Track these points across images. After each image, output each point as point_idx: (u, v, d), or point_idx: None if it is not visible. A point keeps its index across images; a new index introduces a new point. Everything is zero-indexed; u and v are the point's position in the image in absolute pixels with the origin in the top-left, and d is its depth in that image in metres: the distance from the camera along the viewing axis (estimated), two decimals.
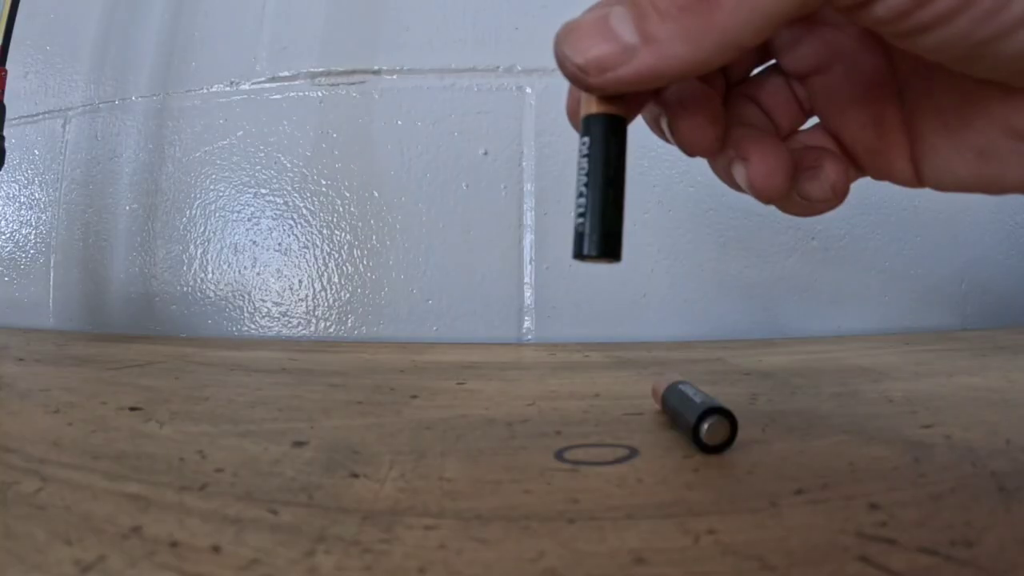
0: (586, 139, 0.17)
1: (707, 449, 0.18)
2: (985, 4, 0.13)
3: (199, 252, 0.59)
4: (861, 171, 0.19)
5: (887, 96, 0.18)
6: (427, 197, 0.57)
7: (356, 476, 0.16)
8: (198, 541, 0.12)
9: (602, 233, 0.15)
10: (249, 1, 0.59)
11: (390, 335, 0.56)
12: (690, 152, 0.19)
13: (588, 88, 0.16)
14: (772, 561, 0.11)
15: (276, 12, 0.59)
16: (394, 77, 0.57)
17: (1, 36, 0.44)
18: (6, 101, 0.44)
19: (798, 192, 0.18)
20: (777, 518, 0.13)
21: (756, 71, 0.20)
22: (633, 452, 0.18)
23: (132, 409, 0.23)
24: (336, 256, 0.57)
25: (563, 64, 0.16)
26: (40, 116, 0.65)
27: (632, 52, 0.15)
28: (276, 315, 0.57)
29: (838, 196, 0.18)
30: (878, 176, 0.19)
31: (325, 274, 0.57)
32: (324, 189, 0.57)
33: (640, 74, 0.15)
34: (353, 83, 0.57)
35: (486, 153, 0.57)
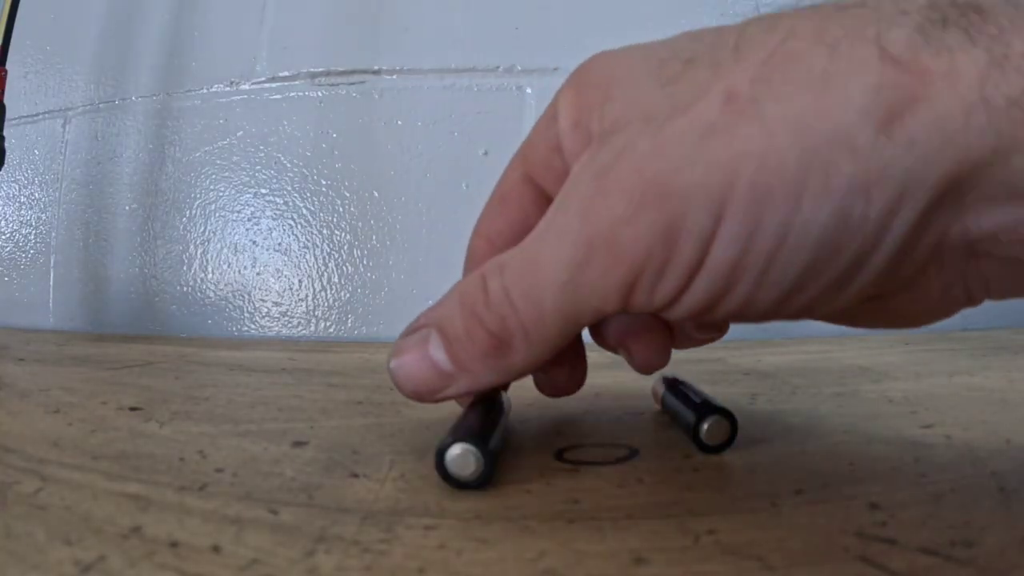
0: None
1: (707, 449, 0.18)
2: (738, 292, 0.14)
3: (199, 252, 0.59)
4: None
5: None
6: (427, 197, 0.57)
7: (356, 476, 0.16)
8: (198, 541, 0.12)
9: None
10: (249, 1, 0.59)
11: (390, 335, 0.56)
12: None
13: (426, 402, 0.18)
14: (772, 561, 0.11)
15: (276, 12, 0.59)
16: (394, 77, 0.57)
17: (1, 36, 0.44)
18: (6, 101, 0.44)
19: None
20: (777, 518, 0.13)
21: None
22: (633, 452, 0.18)
23: (132, 409, 0.23)
24: (336, 256, 0.57)
25: (398, 388, 0.18)
26: (40, 116, 0.65)
27: (451, 378, 0.17)
28: (276, 315, 0.57)
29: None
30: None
31: (325, 274, 0.57)
32: (324, 189, 0.57)
33: (461, 392, 0.17)
34: (353, 83, 0.57)
35: (486, 153, 0.57)
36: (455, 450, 0.15)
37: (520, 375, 0.17)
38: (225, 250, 0.59)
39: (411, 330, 0.18)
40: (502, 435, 0.17)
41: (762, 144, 0.13)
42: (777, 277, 0.13)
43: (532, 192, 0.20)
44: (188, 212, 0.59)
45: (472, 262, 0.22)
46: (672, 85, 0.15)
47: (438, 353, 0.17)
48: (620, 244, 0.14)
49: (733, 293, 0.14)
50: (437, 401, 0.17)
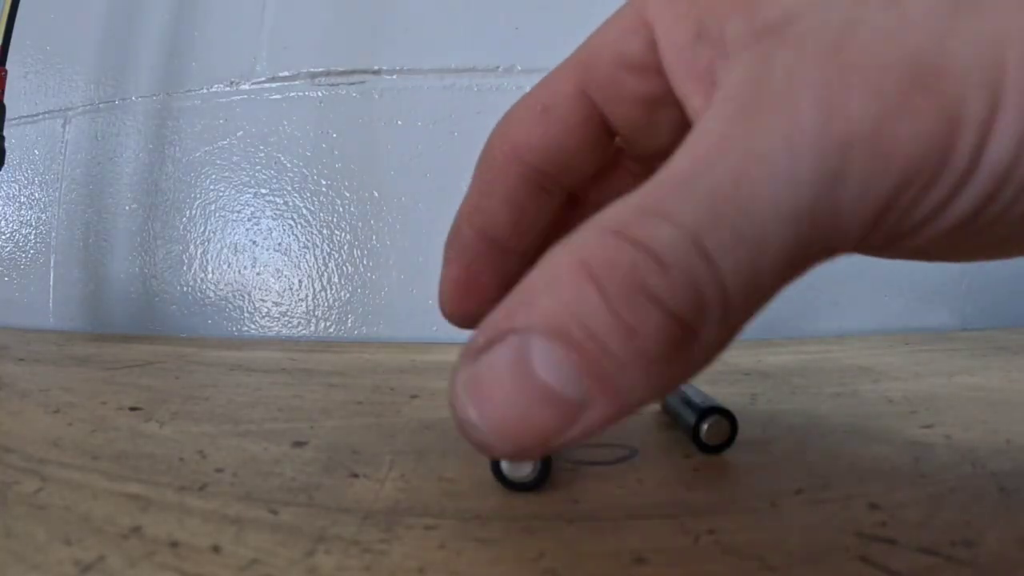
0: None
1: (707, 449, 0.18)
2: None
3: (199, 252, 0.59)
4: None
5: None
6: (427, 197, 0.57)
7: (356, 476, 0.16)
8: (198, 541, 0.12)
9: None
10: (249, 1, 0.59)
11: (390, 335, 0.56)
12: None
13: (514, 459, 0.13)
14: (772, 561, 0.11)
15: (276, 12, 0.59)
16: (394, 77, 0.57)
17: (1, 36, 0.44)
18: (6, 101, 0.44)
19: None
20: (777, 518, 0.13)
21: None
22: (633, 452, 0.18)
23: (132, 409, 0.23)
24: (336, 256, 0.57)
25: (487, 449, 0.11)
26: (40, 116, 0.65)
27: (581, 409, 0.10)
28: (276, 315, 0.57)
29: None
30: None
31: (325, 274, 0.57)
32: (324, 189, 0.57)
33: (592, 431, 0.11)
34: (353, 83, 0.57)
35: None
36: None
37: (688, 378, 0.11)
38: (225, 250, 0.59)
39: (478, 348, 0.11)
40: None
41: None
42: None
43: (585, 109, 0.16)
44: (188, 212, 0.59)
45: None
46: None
47: (553, 373, 0.10)
48: (893, 141, 0.10)
49: (994, 205, 0.10)
50: (548, 454, 0.12)
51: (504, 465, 0.14)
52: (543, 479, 0.14)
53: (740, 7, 0.12)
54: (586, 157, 0.17)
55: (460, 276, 0.19)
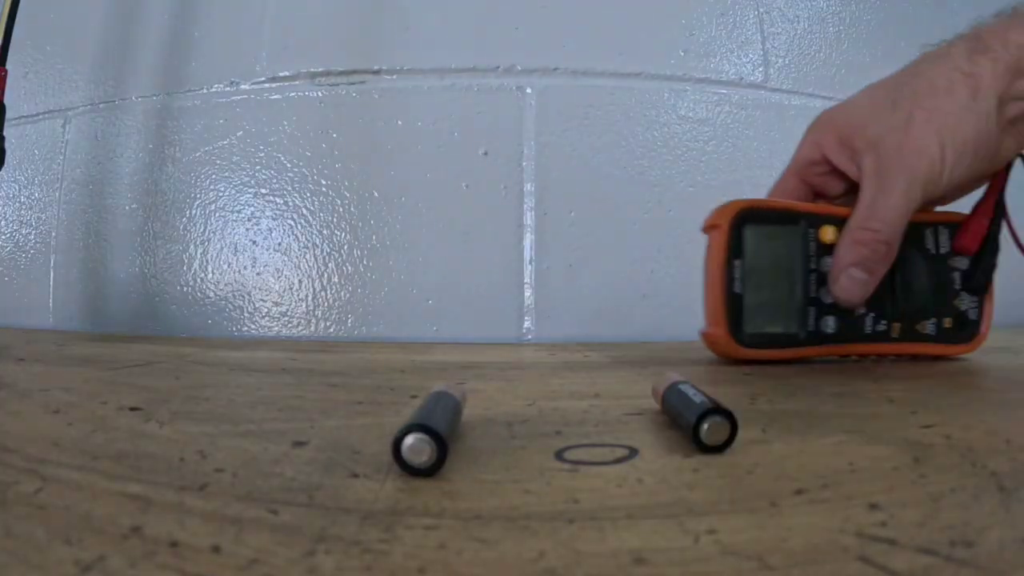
0: None
1: (707, 449, 0.18)
2: None
3: (199, 252, 0.59)
4: None
5: None
6: (427, 197, 0.57)
7: (356, 476, 0.16)
8: (198, 541, 0.12)
9: None
10: (249, 1, 0.59)
11: (390, 335, 0.56)
12: None
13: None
14: (772, 561, 0.11)
15: (276, 12, 0.59)
16: (394, 77, 0.57)
17: (1, 36, 0.44)
18: (6, 101, 0.44)
19: None
20: (777, 518, 0.13)
21: None
22: (633, 452, 0.18)
23: (132, 409, 0.23)
24: (336, 256, 0.57)
25: (850, 302, 0.35)
26: (40, 116, 0.65)
27: (869, 284, 0.34)
28: (276, 315, 0.57)
29: None
30: None
31: (325, 274, 0.57)
32: (324, 189, 0.57)
33: (874, 284, 0.35)
34: (353, 83, 0.57)
35: (486, 153, 0.57)
36: (409, 439, 0.15)
37: (894, 254, 0.34)
38: (225, 250, 0.59)
39: (836, 276, 0.34)
40: (453, 425, 0.18)
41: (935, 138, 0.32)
42: (959, 171, 0.33)
43: (804, 187, 0.39)
44: (188, 212, 0.59)
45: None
46: (892, 115, 0.34)
47: (862, 275, 0.34)
48: (923, 175, 0.32)
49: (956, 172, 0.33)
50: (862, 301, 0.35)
51: (404, 453, 0.15)
52: (439, 466, 0.16)
53: (860, 130, 0.35)
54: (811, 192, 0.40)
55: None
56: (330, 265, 0.57)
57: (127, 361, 0.37)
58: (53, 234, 0.64)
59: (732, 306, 0.35)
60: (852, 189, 0.38)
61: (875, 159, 0.34)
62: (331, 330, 0.57)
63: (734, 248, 0.36)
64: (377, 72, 0.57)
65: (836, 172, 0.37)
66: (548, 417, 0.22)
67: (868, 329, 0.36)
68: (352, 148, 0.57)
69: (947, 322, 0.37)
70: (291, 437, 0.20)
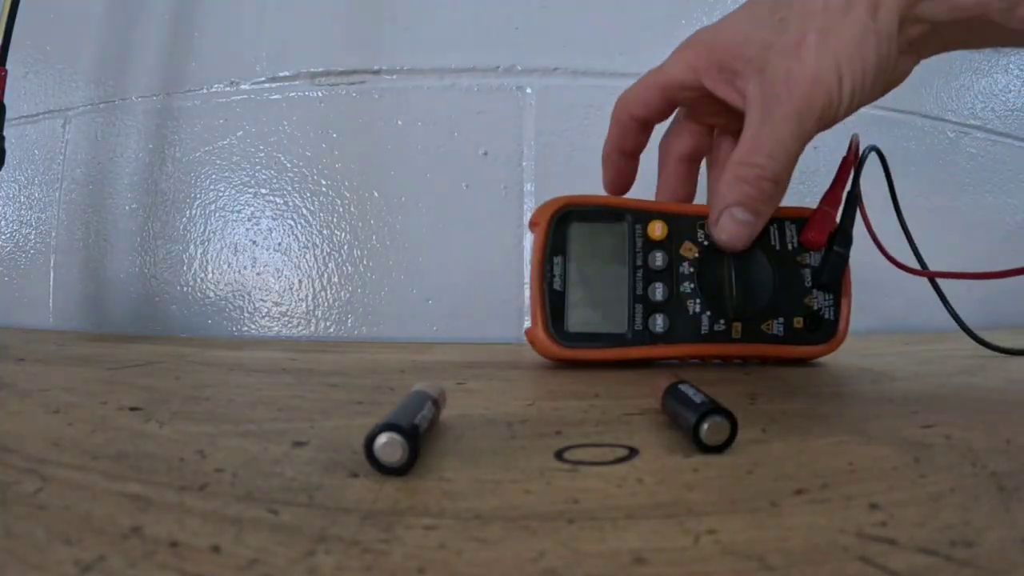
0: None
1: (707, 449, 0.18)
2: None
3: (199, 252, 0.59)
4: None
5: None
6: (427, 197, 0.57)
7: (356, 476, 0.16)
8: (198, 541, 0.12)
9: None
10: (249, 1, 0.59)
11: (390, 335, 0.56)
12: None
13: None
14: (772, 561, 0.11)
15: (276, 12, 0.59)
16: (394, 77, 0.57)
17: (1, 36, 0.44)
18: (6, 101, 0.44)
19: None
20: (777, 518, 0.13)
21: None
22: (633, 452, 0.18)
23: (132, 409, 0.23)
24: (336, 256, 0.57)
25: (731, 247, 0.32)
26: (40, 116, 0.65)
27: (755, 225, 0.31)
28: (276, 315, 0.57)
29: None
30: None
31: (325, 274, 0.57)
32: (324, 189, 0.57)
33: (761, 226, 0.32)
34: (353, 83, 0.57)
35: (486, 153, 0.57)
36: (382, 439, 0.16)
37: (783, 193, 0.31)
38: (225, 250, 0.59)
39: (715, 219, 0.31)
40: (428, 424, 0.18)
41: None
42: (856, 100, 0.29)
43: (666, 105, 0.36)
44: (188, 212, 0.59)
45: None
46: (780, 36, 0.30)
47: (745, 216, 0.30)
48: (819, 105, 0.29)
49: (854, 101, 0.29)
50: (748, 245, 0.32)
51: (377, 451, 0.16)
52: (411, 464, 0.16)
53: (738, 51, 0.31)
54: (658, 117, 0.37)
55: (613, 177, 0.39)
56: (330, 265, 0.57)
57: (127, 361, 0.37)
58: (53, 234, 0.64)
59: (553, 304, 0.34)
60: (732, 118, 0.35)
61: (761, 85, 0.30)
62: (331, 330, 0.57)
63: (555, 245, 0.35)
64: (377, 72, 0.57)
65: (711, 98, 0.33)
66: (548, 417, 0.22)
67: (705, 329, 0.34)
68: (352, 148, 0.57)
69: (797, 322, 0.35)
70: (291, 437, 0.20)
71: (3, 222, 0.66)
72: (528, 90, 0.57)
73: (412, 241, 0.56)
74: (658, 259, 0.35)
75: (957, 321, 0.38)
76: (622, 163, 0.38)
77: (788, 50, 0.29)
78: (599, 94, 0.57)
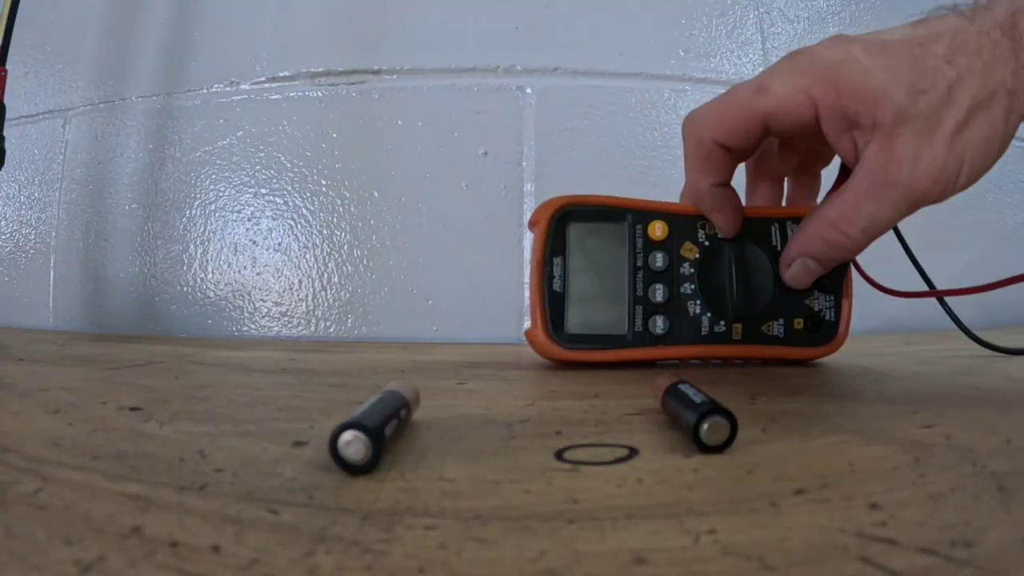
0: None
1: (707, 449, 0.18)
2: None
3: (199, 252, 0.59)
4: None
5: None
6: (427, 197, 0.57)
7: (356, 476, 0.16)
8: (198, 541, 0.12)
9: None
10: (249, 1, 0.59)
11: (390, 335, 0.56)
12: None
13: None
14: (772, 561, 0.11)
15: (276, 12, 0.59)
16: (394, 77, 0.57)
17: (1, 36, 0.44)
18: (6, 101, 0.44)
19: None
20: (777, 518, 0.13)
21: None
22: (633, 452, 0.18)
23: (132, 409, 0.23)
24: (336, 256, 0.57)
25: (798, 284, 0.34)
26: (40, 116, 0.65)
27: (817, 272, 0.33)
28: (276, 315, 0.57)
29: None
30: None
31: (325, 274, 0.57)
32: (324, 189, 0.57)
33: (819, 273, 0.33)
34: (353, 83, 0.57)
35: (486, 153, 0.57)
36: (346, 436, 0.16)
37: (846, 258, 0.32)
38: (225, 250, 0.59)
39: (788, 262, 0.33)
40: (394, 423, 0.18)
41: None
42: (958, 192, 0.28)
43: (761, 131, 0.30)
44: (188, 212, 0.59)
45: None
46: (916, 105, 0.27)
47: (817, 268, 0.32)
48: (927, 198, 0.28)
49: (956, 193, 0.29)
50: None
51: (342, 450, 0.16)
52: (375, 463, 0.16)
53: (870, 105, 0.27)
54: (751, 149, 0.33)
55: (733, 218, 0.34)
56: (330, 265, 0.57)
57: (127, 361, 0.37)
58: (53, 234, 0.64)
59: (553, 305, 0.34)
60: (822, 157, 0.35)
61: (884, 154, 0.27)
62: (331, 330, 0.57)
63: (555, 246, 0.34)
64: (377, 72, 0.57)
65: (814, 136, 0.30)
66: (548, 417, 0.22)
67: (705, 330, 0.34)
68: (352, 148, 0.57)
69: (798, 323, 0.35)
70: (291, 437, 0.20)
71: (3, 222, 0.66)
72: (528, 90, 0.57)
73: (412, 241, 0.56)
74: (658, 260, 0.35)
75: (956, 322, 0.38)
76: (724, 196, 0.33)
77: (922, 130, 0.27)
78: (599, 94, 0.57)
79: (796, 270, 0.32)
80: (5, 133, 0.44)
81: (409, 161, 0.57)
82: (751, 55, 0.60)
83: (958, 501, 0.14)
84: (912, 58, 0.27)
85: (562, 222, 0.35)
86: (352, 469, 0.16)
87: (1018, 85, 0.27)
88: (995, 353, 0.40)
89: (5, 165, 0.44)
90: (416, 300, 0.56)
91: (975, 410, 0.24)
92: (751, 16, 0.60)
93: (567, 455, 0.18)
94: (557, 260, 0.35)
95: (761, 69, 0.60)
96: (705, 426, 0.18)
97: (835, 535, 0.12)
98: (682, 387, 0.20)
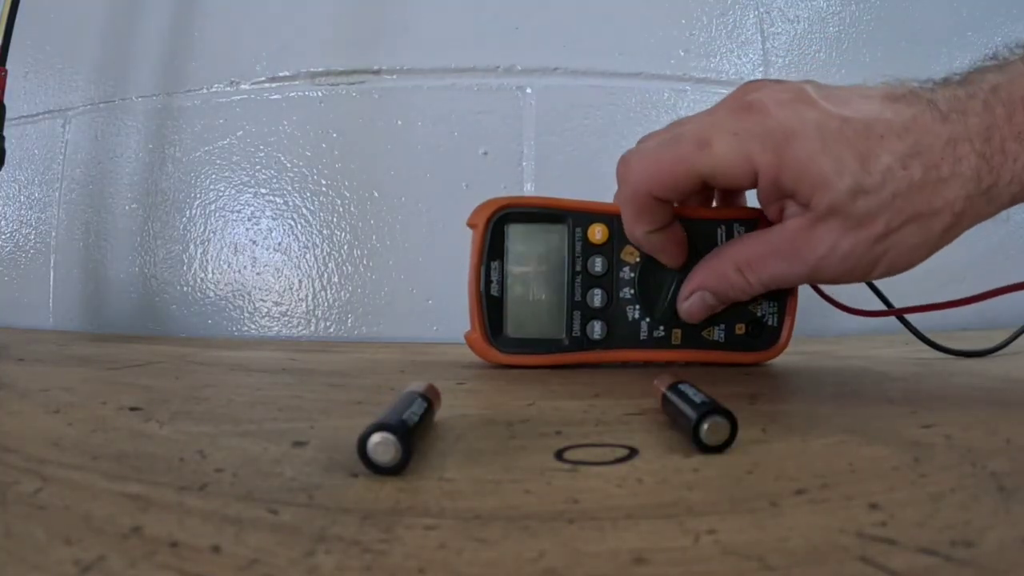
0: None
1: (707, 449, 0.18)
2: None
3: (199, 252, 0.59)
4: None
5: None
6: (427, 197, 0.57)
7: (356, 476, 0.16)
8: (198, 541, 0.12)
9: None
10: (249, 1, 0.59)
11: (390, 335, 0.56)
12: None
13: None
14: (772, 561, 0.11)
15: (276, 12, 0.59)
16: (394, 77, 0.57)
17: (1, 36, 0.44)
18: (6, 101, 0.44)
19: None
20: (777, 518, 0.13)
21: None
22: (633, 452, 0.18)
23: (132, 409, 0.23)
24: (336, 256, 0.57)
25: (693, 319, 0.34)
26: (40, 116, 0.65)
27: (716, 307, 0.33)
28: (276, 315, 0.57)
29: None
30: None
31: (325, 274, 0.57)
32: (324, 189, 0.57)
33: (715, 309, 0.33)
34: (353, 83, 0.57)
35: (486, 153, 0.57)
36: (375, 438, 0.16)
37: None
38: (225, 250, 0.59)
39: (688, 294, 0.32)
40: (424, 425, 0.18)
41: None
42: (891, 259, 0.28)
43: (698, 185, 0.29)
44: (188, 212, 0.59)
45: None
46: (854, 204, 0.26)
47: (714, 302, 0.32)
48: (835, 281, 0.30)
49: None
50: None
51: (370, 451, 0.16)
52: (404, 464, 0.16)
53: (808, 189, 0.27)
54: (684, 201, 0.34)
55: (676, 253, 0.34)
56: (330, 265, 0.57)
57: (127, 361, 0.37)
58: (53, 234, 0.63)
59: (490, 309, 0.34)
60: (705, 198, 0.35)
61: (804, 233, 0.28)
62: (331, 330, 0.57)
63: (492, 249, 0.34)
64: (377, 72, 0.57)
65: (731, 194, 0.36)
66: (548, 417, 0.22)
67: (644, 335, 0.34)
68: (352, 148, 0.57)
69: (739, 328, 0.34)
70: (291, 437, 0.20)
71: (3, 222, 0.66)
72: (528, 90, 0.57)
73: (412, 241, 0.56)
74: (597, 264, 0.34)
75: (916, 334, 0.38)
76: (663, 239, 0.32)
77: (850, 226, 0.27)
78: (599, 94, 0.57)
79: (694, 302, 0.32)
80: (5, 133, 0.44)
81: (409, 161, 0.57)
82: (751, 55, 0.60)
83: (958, 501, 0.14)
84: (866, 152, 0.26)
85: (500, 224, 0.34)
86: (383, 471, 0.16)
87: (967, 208, 0.26)
88: (995, 354, 0.40)
89: (5, 165, 0.44)
90: (416, 300, 0.56)
91: (975, 410, 0.24)
92: (751, 16, 0.60)
93: (567, 455, 0.18)
94: (495, 264, 0.34)
95: (761, 69, 0.61)
96: (705, 426, 0.18)
97: (835, 535, 0.12)
98: (682, 387, 0.20)
